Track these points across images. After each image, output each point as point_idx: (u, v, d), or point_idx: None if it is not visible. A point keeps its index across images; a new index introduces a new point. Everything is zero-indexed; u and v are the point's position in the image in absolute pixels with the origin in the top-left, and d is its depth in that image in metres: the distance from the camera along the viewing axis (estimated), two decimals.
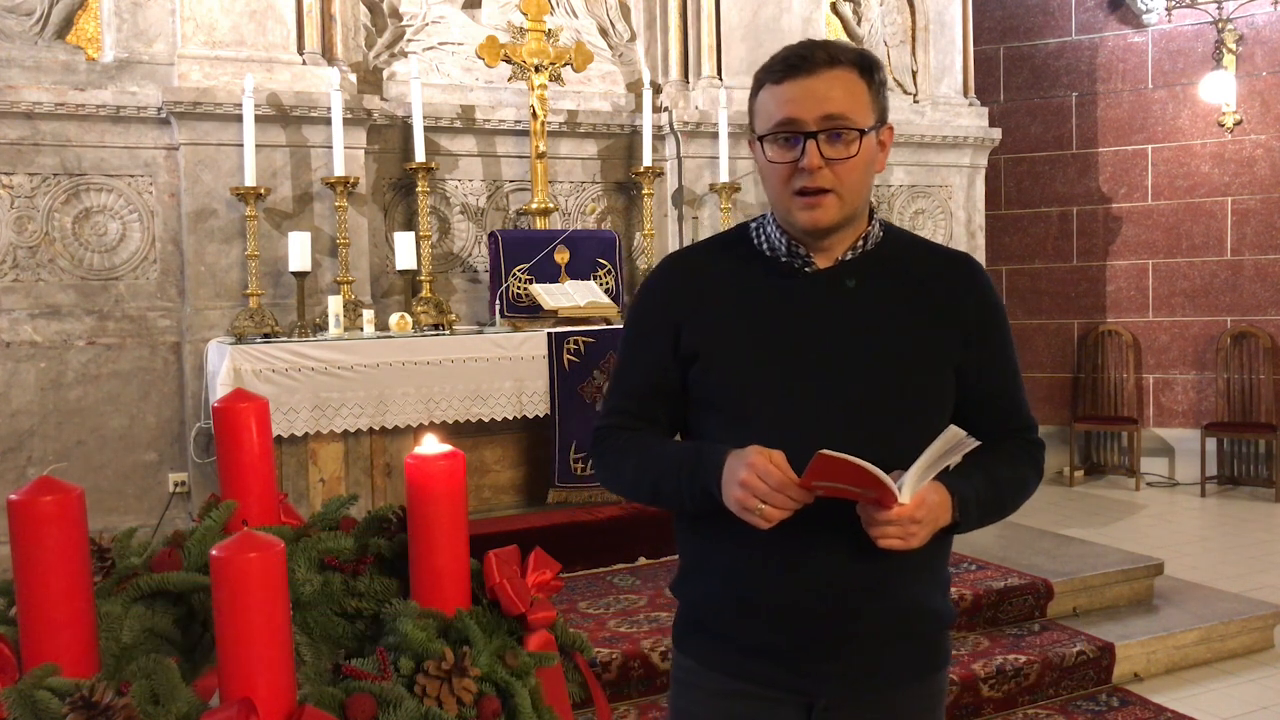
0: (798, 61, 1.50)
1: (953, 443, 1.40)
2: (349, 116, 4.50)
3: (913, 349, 1.56)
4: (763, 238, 1.63)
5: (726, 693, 1.61)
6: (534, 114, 4.95)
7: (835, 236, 1.57)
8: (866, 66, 1.53)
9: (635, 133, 5.29)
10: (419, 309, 4.60)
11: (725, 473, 1.46)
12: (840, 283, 1.58)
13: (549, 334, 4.46)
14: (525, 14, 4.98)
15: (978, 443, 1.42)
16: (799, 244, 1.58)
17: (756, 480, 1.41)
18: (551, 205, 5.02)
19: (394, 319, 4.43)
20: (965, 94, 6.05)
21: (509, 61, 4.93)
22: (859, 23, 5.86)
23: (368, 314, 4.40)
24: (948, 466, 1.46)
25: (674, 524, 1.71)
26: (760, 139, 1.54)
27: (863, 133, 1.50)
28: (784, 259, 1.59)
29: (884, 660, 1.59)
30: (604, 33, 5.47)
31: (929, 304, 1.59)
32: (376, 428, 4.22)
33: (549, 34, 5.01)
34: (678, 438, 1.70)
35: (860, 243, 1.59)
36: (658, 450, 1.61)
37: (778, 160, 1.52)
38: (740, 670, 1.59)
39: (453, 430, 4.25)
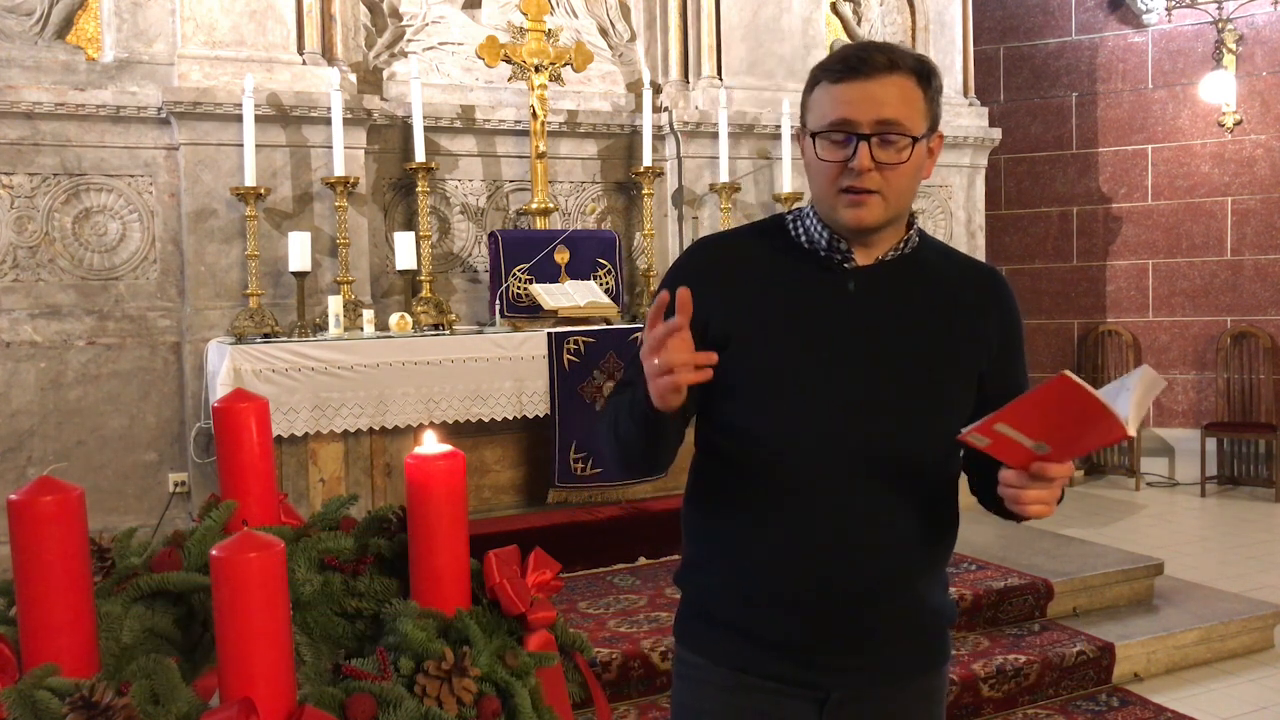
0: (857, 63, 1.51)
1: (1151, 381, 1.37)
2: (349, 116, 4.50)
3: (938, 355, 1.58)
4: (801, 230, 1.63)
5: (738, 687, 1.60)
6: (534, 114, 4.95)
7: (876, 236, 1.58)
8: (925, 74, 1.54)
9: (635, 133, 5.29)
10: (419, 309, 4.60)
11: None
12: (876, 282, 1.58)
13: (549, 334, 4.46)
14: (525, 14, 4.98)
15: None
16: (840, 239, 1.58)
17: (651, 356, 1.37)
18: (551, 205, 5.02)
19: (394, 319, 4.43)
20: (965, 94, 6.05)
21: (509, 61, 4.93)
22: (859, 23, 5.85)
23: (368, 314, 4.40)
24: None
25: (681, 513, 1.70)
26: (813, 135, 1.54)
27: (915, 140, 1.51)
28: (823, 253, 1.59)
29: (895, 656, 1.61)
30: (604, 33, 5.47)
31: (957, 313, 1.61)
32: (376, 428, 4.22)
33: (549, 34, 5.01)
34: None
35: (901, 244, 1.60)
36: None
37: (829, 159, 1.52)
38: (752, 665, 1.59)
39: (453, 430, 4.25)
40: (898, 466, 1.51)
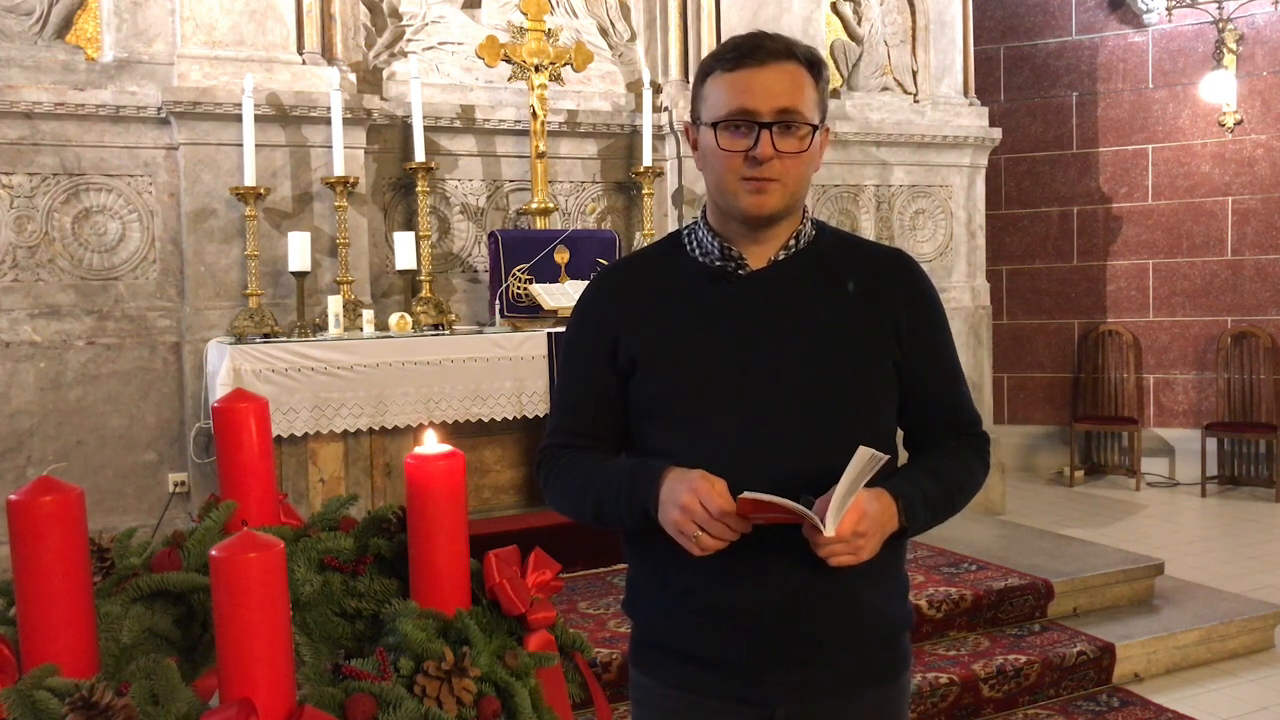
0: (751, 49, 1.51)
1: (864, 463, 1.39)
2: (349, 116, 4.50)
3: (846, 348, 1.56)
4: (695, 243, 1.62)
5: (687, 708, 1.59)
6: (534, 114, 4.95)
7: (770, 231, 1.57)
8: (814, 64, 1.54)
9: (635, 132, 5.29)
10: (419, 309, 4.60)
11: (664, 492, 1.46)
12: (772, 285, 1.57)
13: (549, 334, 4.46)
14: (525, 14, 4.98)
15: (887, 457, 1.41)
16: (731, 245, 1.58)
17: (698, 506, 1.41)
18: (551, 205, 5.02)
19: (394, 319, 4.43)
20: (965, 94, 6.05)
21: (509, 61, 4.93)
22: (859, 23, 5.85)
23: (367, 314, 4.40)
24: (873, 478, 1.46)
25: (622, 540, 1.68)
26: (713, 125, 1.52)
27: (815, 128, 1.52)
28: (717, 263, 1.58)
29: (841, 667, 1.57)
30: (604, 32, 5.47)
31: (860, 302, 1.58)
32: (376, 428, 4.22)
33: (549, 34, 5.01)
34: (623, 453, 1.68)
35: (793, 242, 1.59)
36: (598, 469, 1.59)
37: (730, 148, 1.51)
38: (696, 684, 1.58)
39: (453, 430, 4.25)
40: (823, 471, 1.44)
